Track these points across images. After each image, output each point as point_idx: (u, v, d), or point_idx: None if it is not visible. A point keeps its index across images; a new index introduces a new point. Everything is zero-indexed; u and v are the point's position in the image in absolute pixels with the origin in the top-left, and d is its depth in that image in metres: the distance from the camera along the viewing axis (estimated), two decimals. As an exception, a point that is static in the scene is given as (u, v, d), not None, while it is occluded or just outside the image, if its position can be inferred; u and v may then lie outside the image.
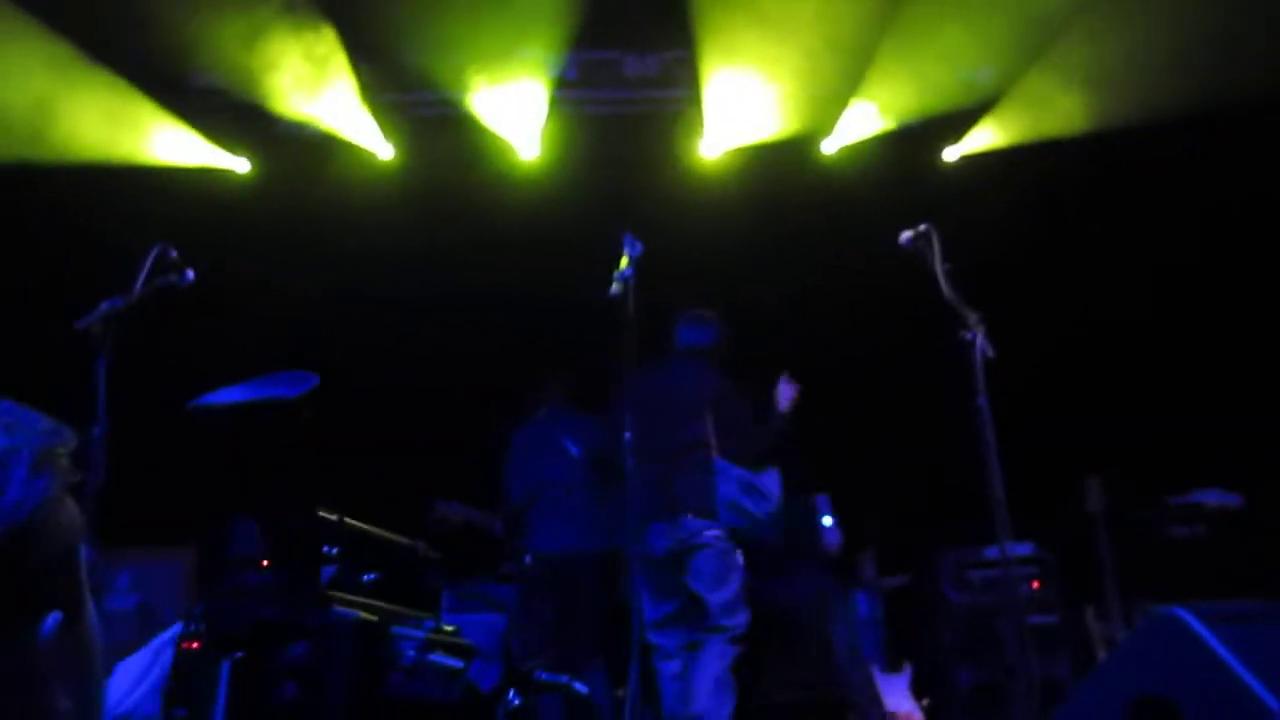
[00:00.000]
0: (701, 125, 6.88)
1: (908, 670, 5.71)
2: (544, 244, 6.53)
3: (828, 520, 5.54)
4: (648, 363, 4.57)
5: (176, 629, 3.44)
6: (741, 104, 6.72)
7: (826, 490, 5.80)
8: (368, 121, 6.79)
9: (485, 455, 5.87)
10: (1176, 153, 6.27)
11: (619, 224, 4.27)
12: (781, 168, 6.89)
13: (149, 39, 6.24)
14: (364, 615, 2.96)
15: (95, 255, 4.97)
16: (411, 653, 2.90)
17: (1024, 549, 5.80)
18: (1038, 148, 6.64)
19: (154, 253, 4.03)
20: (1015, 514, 3.87)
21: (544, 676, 4.07)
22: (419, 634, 2.92)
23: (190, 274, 4.13)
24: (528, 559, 5.21)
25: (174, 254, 4.05)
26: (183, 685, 3.05)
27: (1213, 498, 5.84)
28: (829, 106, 6.82)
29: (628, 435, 3.96)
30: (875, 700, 5.43)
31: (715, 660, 4.59)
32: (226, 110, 6.75)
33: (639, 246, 4.15)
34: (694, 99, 6.79)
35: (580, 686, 4.41)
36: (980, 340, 3.88)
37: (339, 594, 3.13)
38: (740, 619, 4.69)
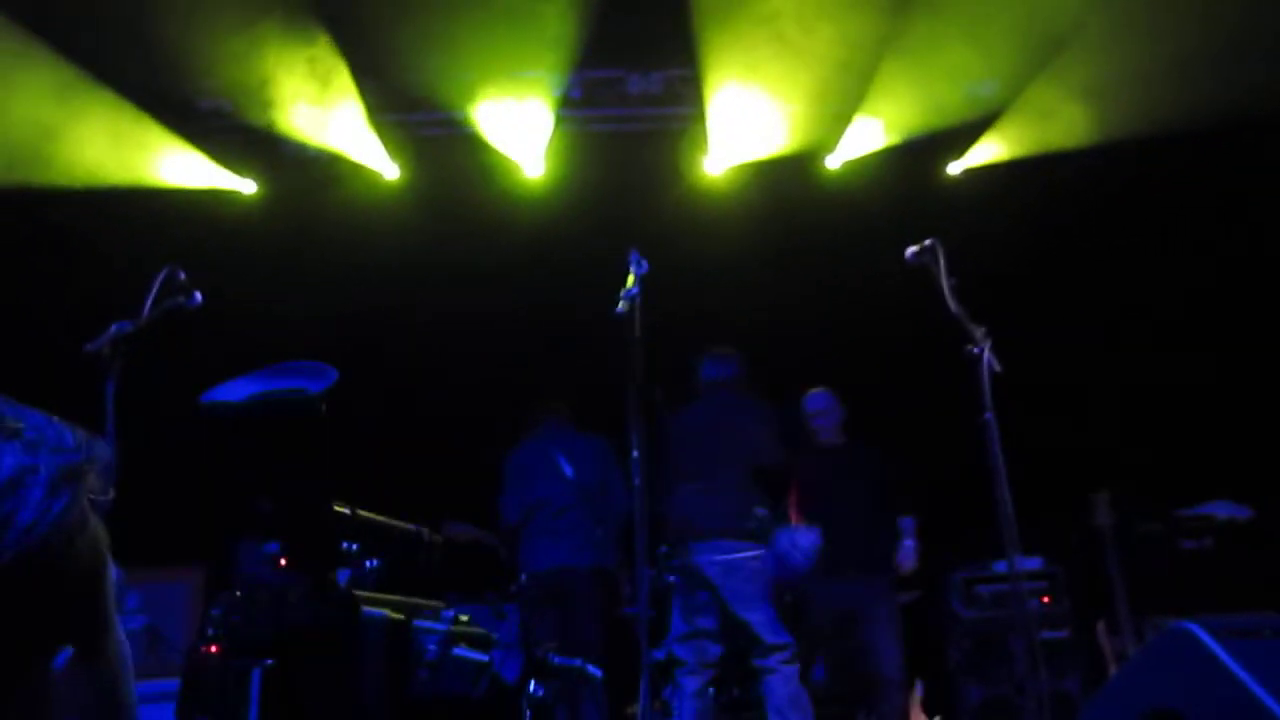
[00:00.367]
0: (706, 142, 6.90)
1: (918, 687, 5.68)
2: (549, 263, 6.55)
3: (909, 542, 5.56)
4: (682, 404, 5.03)
5: None
6: (745, 120, 6.74)
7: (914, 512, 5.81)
8: (373, 142, 6.82)
9: (490, 473, 5.88)
10: (1181, 165, 6.28)
11: (624, 242, 4.27)
12: (786, 184, 6.90)
13: (155, 62, 6.28)
14: (391, 614, 2.92)
15: (104, 277, 5.00)
16: (435, 648, 2.86)
17: (1033, 564, 5.78)
18: (1042, 161, 6.64)
19: (162, 275, 4.04)
20: (1024, 529, 3.86)
21: (557, 660, 4.07)
22: (441, 627, 2.87)
23: (198, 296, 4.14)
24: (523, 577, 5.21)
25: (182, 276, 4.07)
26: (203, 692, 2.98)
27: (1222, 510, 5.82)
28: (833, 122, 6.84)
29: (635, 454, 3.96)
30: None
31: (783, 685, 4.63)
32: (232, 132, 6.78)
33: (645, 265, 4.15)
34: (698, 116, 6.81)
35: (594, 670, 4.41)
36: (987, 355, 3.87)
37: (363, 592, 3.09)
38: (787, 635, 4.74)
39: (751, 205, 6.80)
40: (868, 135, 6.88)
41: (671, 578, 6.02)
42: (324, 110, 6.59)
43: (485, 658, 2.96)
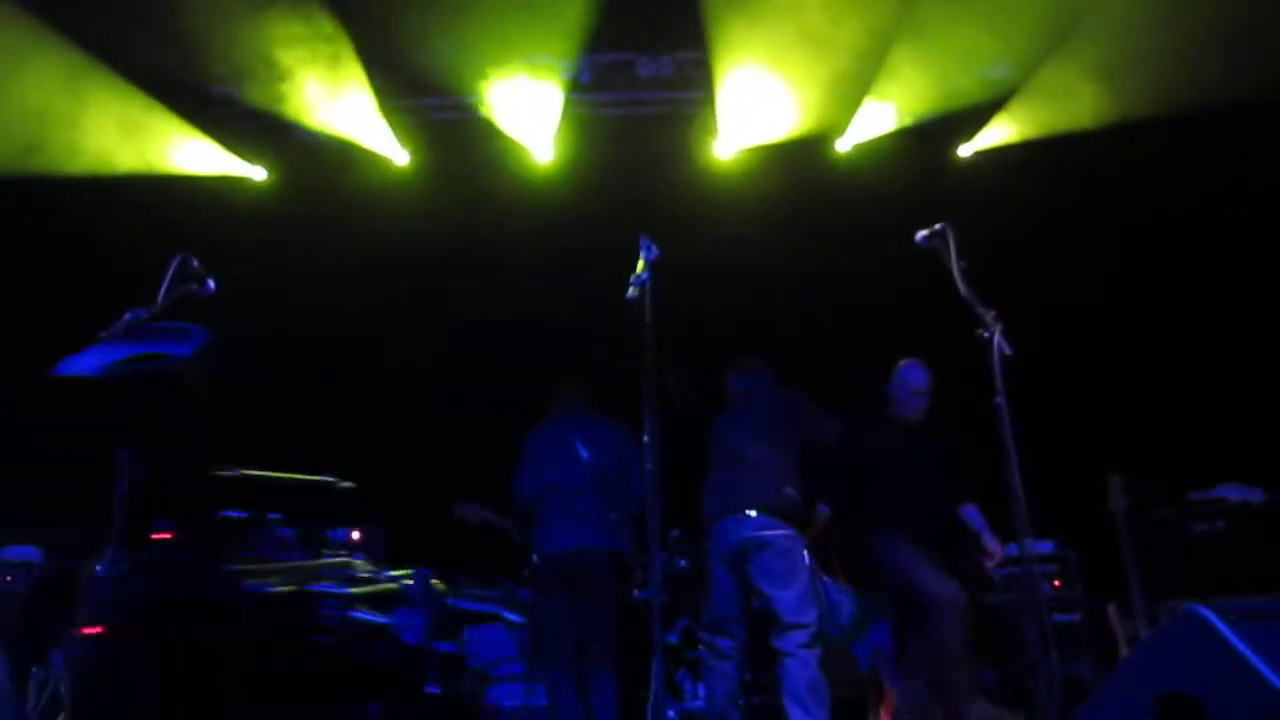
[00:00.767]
0: (716, 126, 6.88)
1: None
2: (560, 248, 6.56)
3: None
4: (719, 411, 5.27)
5: None
6: (755, 103, 6.72)
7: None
8: (383, 127, 6.83)
9: (501, 457, 5.89)
10: (1195, 146, 6.23)
11: (634, 226, 4.27)
12: (796, 167, 6.89)
13: (166, 49, 6.29)
14: (278, 586, 2.81)
15: (117, 264, 5.02)
16: (332, 613, 2.77)
17: (1045, 547, 5.78)
18: (1054, 142, 6.61)
19: (176, 263, 4.06)
20: (1036, 513, 3.87)
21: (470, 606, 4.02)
22: (342, 590, 2.77)
23: (211, 284, 4.16)
24: (535, 559, 5.25)
25: (195, 264, 4.09)
26: (89, 670, 2.85)
27: (1234, 493, 5.81)
28: (843, 104, 6.82)
29: (646, 438, 3.96)
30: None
31: (801, 670, 4.64)
32: (243, 119, 6.80)
33: (655, 250, 4.15)
34: (708, 99, 6.80)
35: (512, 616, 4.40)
36: (998, 338, 3.87)
37: (251, 564, 2.97)
38: (810, 616, 4.75)
39: (762, 189, 6.79)
40: (878, 118, 6.86)
41: (682, 562, 6.05)
42: (334, 96, 6.60)
43: (385, 620, 2.87)
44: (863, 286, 6.49)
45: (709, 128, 6.92)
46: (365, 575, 2.92)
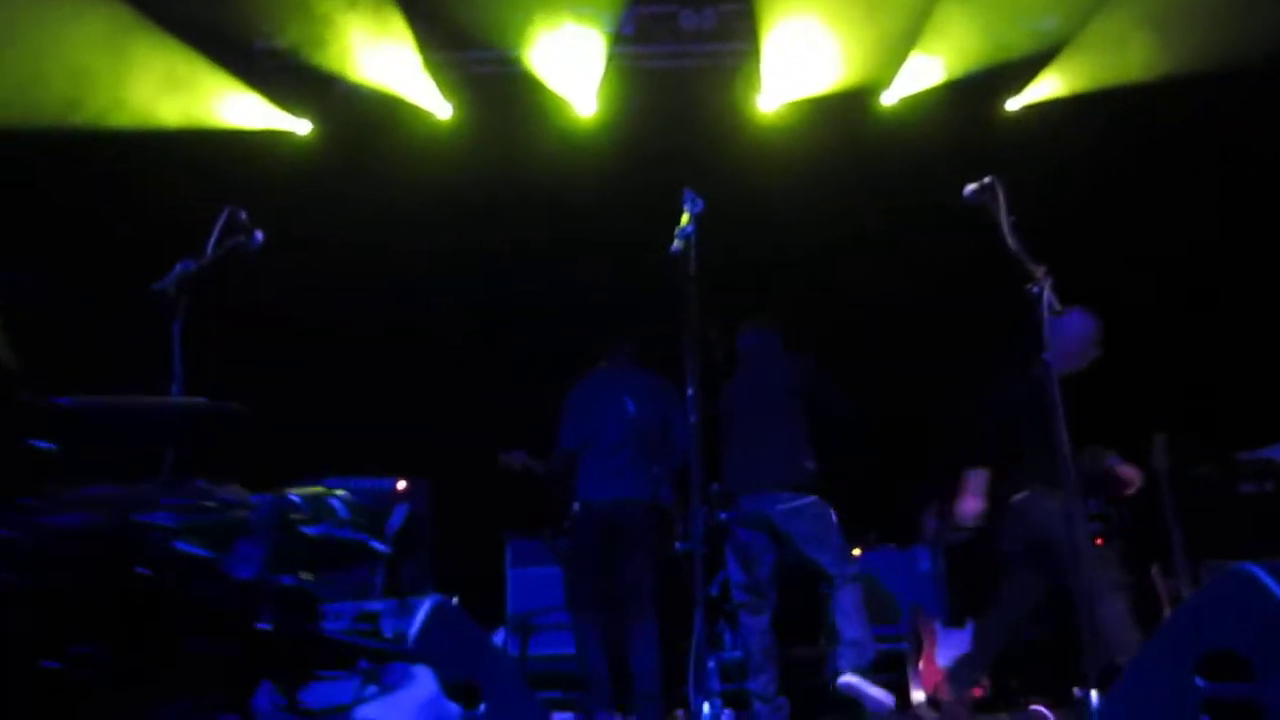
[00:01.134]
0: (759, 79, 6.80)
1: (970, 626, 5.71)
2: (603, 201, 6.55)
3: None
4: (731, 371, 5.34)
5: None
6: (800, 56, 6.63)
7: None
8: (426, 81, 6.82)
9: (543, 409, 5.93)
10: (1248, 100, 6.09)
11: (678, 180, 4.26)
12: (841, 120, 6.80)
13: (210, 5, 6.31)
14: (90, 519, 2.69)
15: (167, 218, 5.08)
16: (155, 545, 2.66)
17: (1089, 506, 5.74)
18: (1104, 96, 6.48)
19: (224, 216, 4.11)
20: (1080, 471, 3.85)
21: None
22: (167, 521, 2.64)
23: (259, 236, 4.20)
24: (576, 506, 5.29)
25: (244, 216, 4.13)
26: None
27: (1284, 454, 5.73)
28: (889, 57, 6.71)
29: (690, 391, 3.98)
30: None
31: (849, 596, 4.98)
32: (287, 73, 6.81)
33: (700, 203, 4.14)
34: (752, 52, 6.72)
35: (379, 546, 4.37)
36: (1047, 294, 3.83)
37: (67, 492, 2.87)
38: (851, 566, 5.10)
39: (806, 142, 6.72)
40: (925, 71, 6.75)
41: (723, 515, 6.10)
42: (377, 50, 6.59)
43: (211, 554, 2.74)
44: (909, 241, 6.43)
45: (753, 81, 6.84)
46: (214, 506, 2.76)
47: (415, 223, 6.65)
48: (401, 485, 6.24)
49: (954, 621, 5.76)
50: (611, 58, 6.74)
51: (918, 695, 5.42)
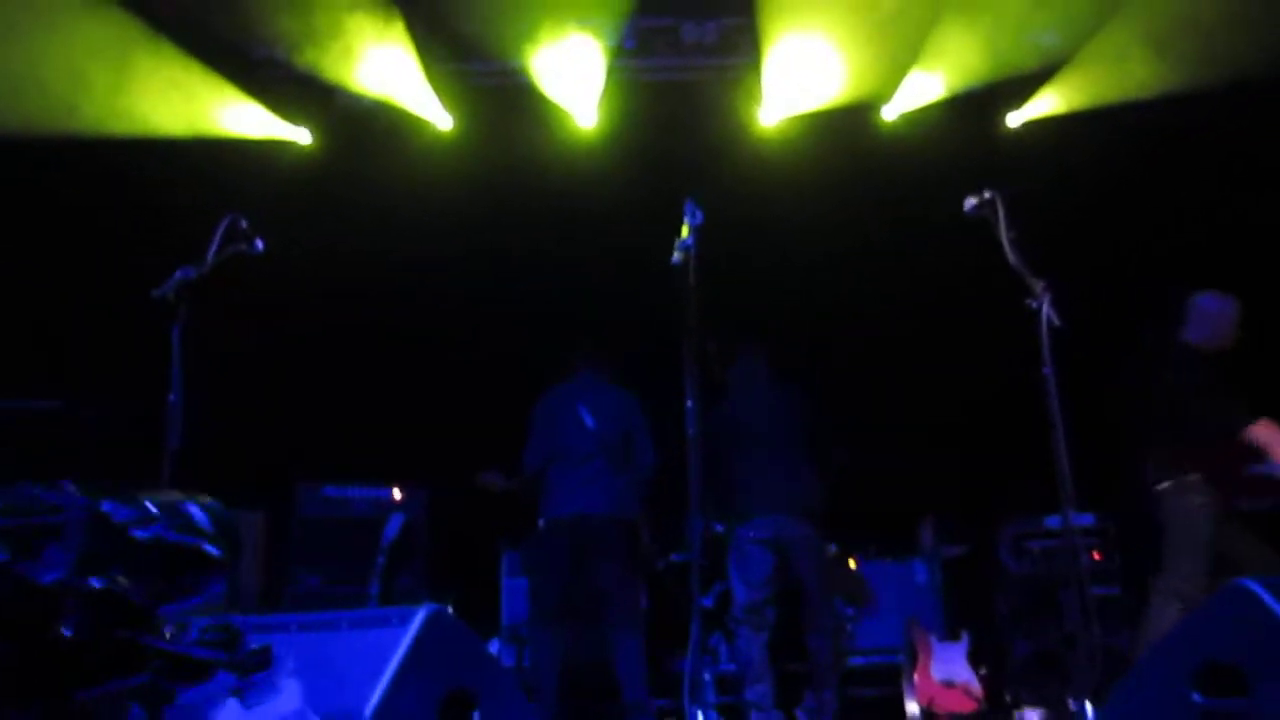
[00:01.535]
0: (761, 92, 6.82)
1: (965, 639, 5.71)
2: (603, 213, 6.56)
3: None
4: (731, 388, 5.41)
5: None
6: (801, 70, 6.65)
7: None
8: (427, 92, 6.84)
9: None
10: (1248, 115, 6.11)
11: (679, 192, 4.27)
12: (842, 134, 6.82)
13: (211, 12, 6.33)
14: None
15: (166, 225, 5.09)
16: None
17: (1085, 520, 5.75)
18: (1104, 113, 6.49)
19: (225, 223, 4.12)
20: (1078, 485, 3.85)
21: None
22: None
23: (260, 243, 4.21)
24: (541, 523, 5.30)
25: (244, 224, 4.14)
26: None
27: (1282, 470, 5.72)
28: (890, 72, 6.73)
29: (689, 403, 3.98)
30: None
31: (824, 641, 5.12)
32: (288, 82, 6.83)
33: (700, 215, 4.15)
34: (753, 66, 6.74)
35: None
36: (1047, 308, 3.84)
37: None
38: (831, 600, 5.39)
39: (807, 156, 6.74)
40: (926, 86, 6.77)
41: (719, 527, 6.11)
42: (379, 60, 6.61)
43: (7, 557, 2.66)
44: (909, 255, 6.45)
45: (754, 94, 6.86)
46: (25, 508, 2.68)
47: (416, 232, 6.65)
48: (398, 494, 6.25)
49: (949, 635, 5.75)
50: (613, 70, 6.76)
51: (912, 708, 5.41)
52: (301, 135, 7.05)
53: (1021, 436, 4.69)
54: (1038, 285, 3.91)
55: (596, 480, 5.24)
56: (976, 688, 5.49)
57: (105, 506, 1.13)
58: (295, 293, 6.43)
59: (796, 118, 6.91)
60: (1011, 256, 3.96)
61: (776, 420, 5.29)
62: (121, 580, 1.03)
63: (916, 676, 5.53)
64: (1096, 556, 5.86)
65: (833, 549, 5.80)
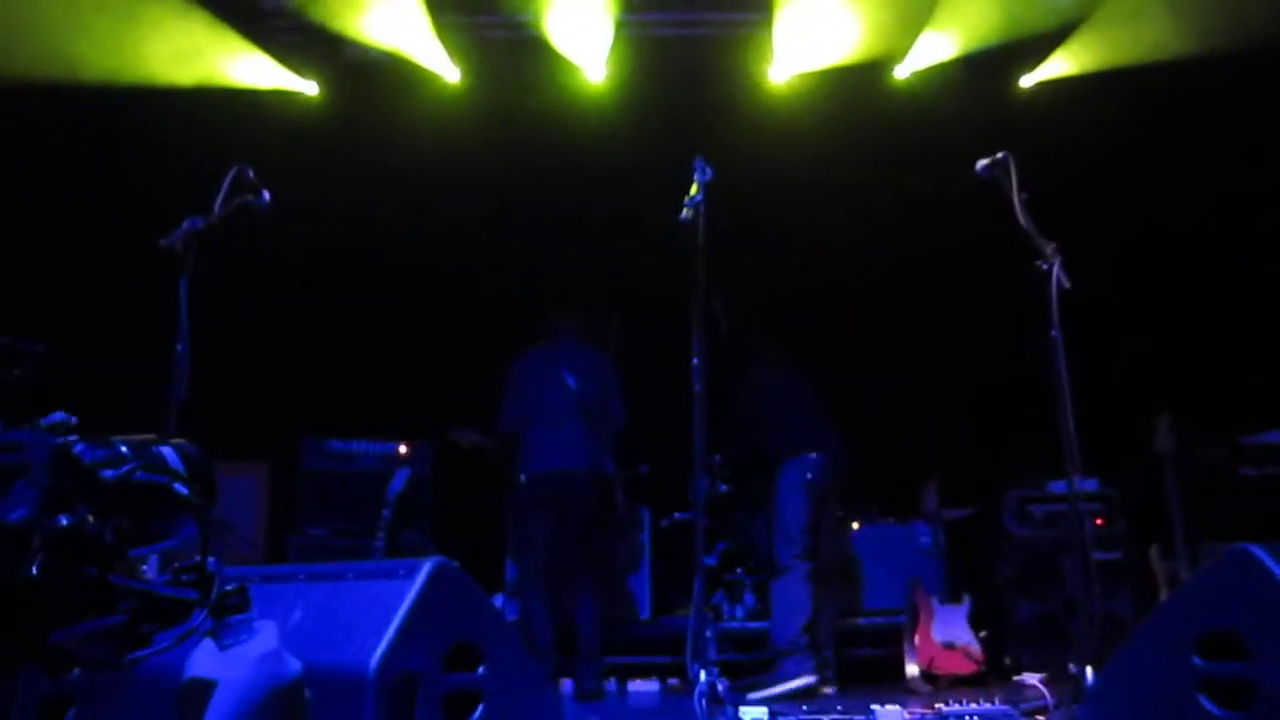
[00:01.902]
0: (771, 48, 6.74)
1: (967, 602, 5.74)
2: (612, 169, 6.51)
3: None
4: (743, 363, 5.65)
5: None
6: (812, 27, 6.56)
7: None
8: (435, 44, 6.76)
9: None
10: (1263, 79, 6.03)
11: (688, 149, 4.24)
12: (853, 93, 6.74)
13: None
14: None
15: (174, 175, 5.07)
16: None
17: (1089, 485, 5.76)
18: (1118, 74, 6.42)
19: (232, 174, 4.10)
20: (1083, 450, 3.85)
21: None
22: None
23: (267, 195, 4.20)
24: (523, 478, 5.44)
25: (251, 175, 4.12)
26: None
27: (1286, 439, 5.73)
28: (903, 30, 6.64)
29: (695, 361, 3.99)
30: None
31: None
32: (296, 33, 6.76)
33: (709, 172, 4.12)
34: (764, 22, 6.65)
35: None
36: (1056, 271, 3.82)
37: None
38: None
39: (817, 114, 6.67)
40: (939, 45, 6.68)
41: (724, 486, 6.15)
42: (386, 11, 6.54)
43: None
44: (918, 215, 6.40)
45: (764, 51, 6.78)
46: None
47: (422, 185, 6.62)
48: (404, 449, 6.27)
49: (951, 597, 5.79)
50: (622, 24, 6.67)
51: (912, 669, 5.45)
52: (309, 87, 6.99)
53: (1028, 400, 4.70)
54: (1048, 247, 3.89)
55: (575, 438, 5.43)
56: (977, 650, 5.52)
57: (76, 448, 1.12)
58: (303, 244, 6.41)
59: (807, 75, 6.82)
60: (1022, 218, 3.94)
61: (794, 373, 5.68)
62: (90, 520, 1.03)
63: (917, 638, 5.57)
64: (1099, 522, 5.87)
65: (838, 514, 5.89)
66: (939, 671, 5.45)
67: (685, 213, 4.04)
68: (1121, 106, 6.35)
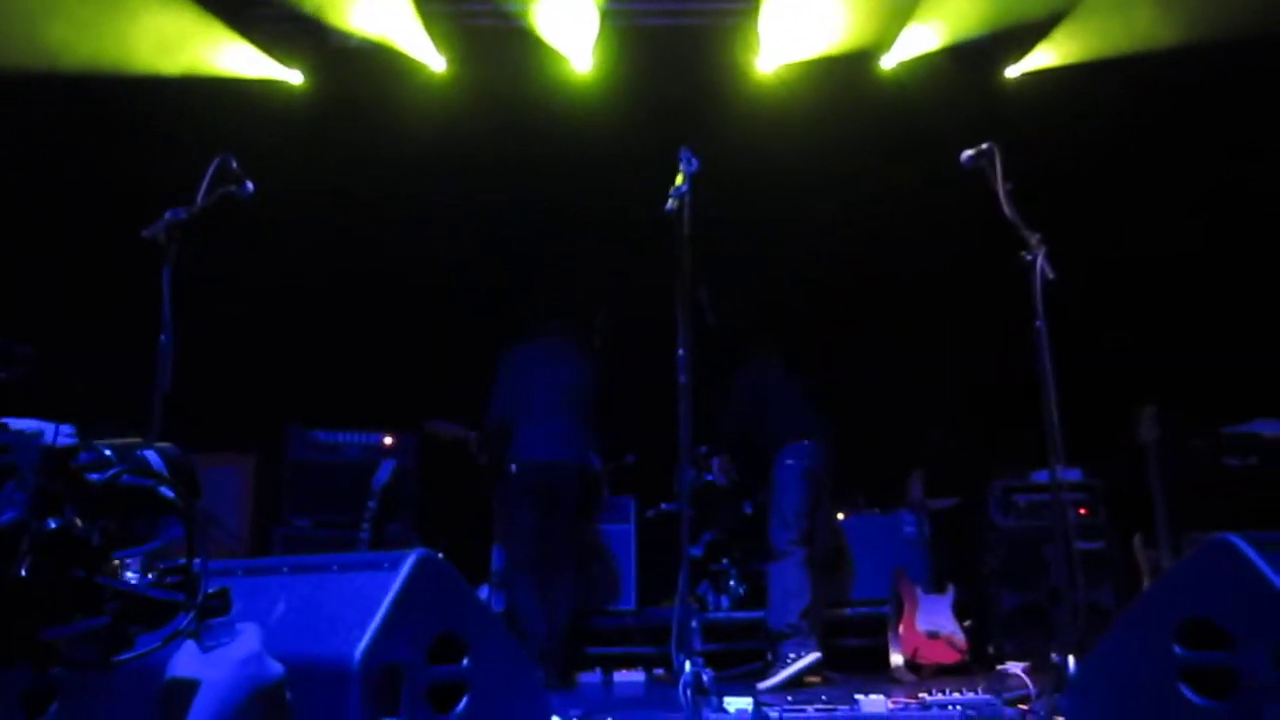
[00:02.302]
0: (758, 38, 6.73)
1: (951, 592, 5.76)
2: (598, 159, 6.50)
3: None
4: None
5: None
6: (799, 17, 6.56)
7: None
8: (420, 33, 6.73)
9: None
10: (1250, 69, 6.05)
11: (674, 139, 4.23)
12: (840, 83, 6.75)
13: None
14: None
15: (157, 164, 5.03)
16: None
17: (1073, 475, 5.78)
18: (1105, 64, 6.43)
19: (215, 163, 4.08)
20: (1067, 440, 3.86)
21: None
22: None
23: (250, 185, 4.17)
24: (513, 468, 5.46)
25: (235, 164, 4.10)
26: None
27: (1268, 429, 5.75)
28: (890, 20, 6.65)
29: (680, 352, 3.98)
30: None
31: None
32: (281, 22, 6.72)
33: (695, 162, 4.12)
34: (751, 12, 6.64)
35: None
36: (1041, 262, 3.83)
37: None
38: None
39: (804, 104, 6.67)
40: (925, 35, 6.69)
41: (709, 477, 6.16)
42: (371, 1, 6.51)
43: None
44: (903, 206, 6.40)
45: (751, 41, 6.77)
46: None
47: (407, 174, 6.59)
48: (389, 440, 6.26)
49: (935, 587, 5.80)
50: (608, 13, 6.65)
51: (896, 658, 5.47)
52: (294, 76, 6.95)
53: (1012, 390, 4.71)
54: (1032, 238, 3.90)
55: (566, 431, 5.48)
56: (961, 639, 5.54)
57: (64, 451, 1.12)
58: (287, 234, 6.38)
59: (794, 65, 6.82)
60: (1007, 209, 3.94)
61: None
62: (78, 522, 1.03)
63: (902, 627, 5.59)
64: (1083, 512, 5.90)
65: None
66: (923, 661, 5.47)
67: (670, 203, 4.03)
68: (1107, 97, 6.37)
